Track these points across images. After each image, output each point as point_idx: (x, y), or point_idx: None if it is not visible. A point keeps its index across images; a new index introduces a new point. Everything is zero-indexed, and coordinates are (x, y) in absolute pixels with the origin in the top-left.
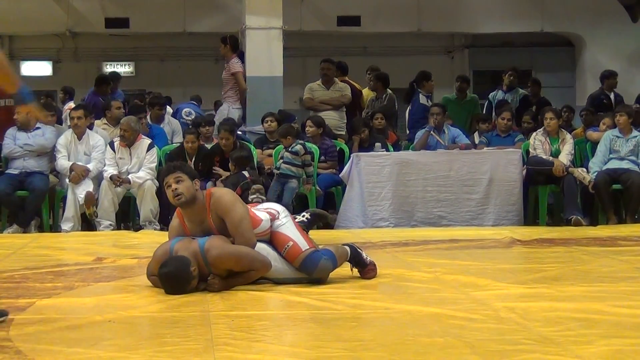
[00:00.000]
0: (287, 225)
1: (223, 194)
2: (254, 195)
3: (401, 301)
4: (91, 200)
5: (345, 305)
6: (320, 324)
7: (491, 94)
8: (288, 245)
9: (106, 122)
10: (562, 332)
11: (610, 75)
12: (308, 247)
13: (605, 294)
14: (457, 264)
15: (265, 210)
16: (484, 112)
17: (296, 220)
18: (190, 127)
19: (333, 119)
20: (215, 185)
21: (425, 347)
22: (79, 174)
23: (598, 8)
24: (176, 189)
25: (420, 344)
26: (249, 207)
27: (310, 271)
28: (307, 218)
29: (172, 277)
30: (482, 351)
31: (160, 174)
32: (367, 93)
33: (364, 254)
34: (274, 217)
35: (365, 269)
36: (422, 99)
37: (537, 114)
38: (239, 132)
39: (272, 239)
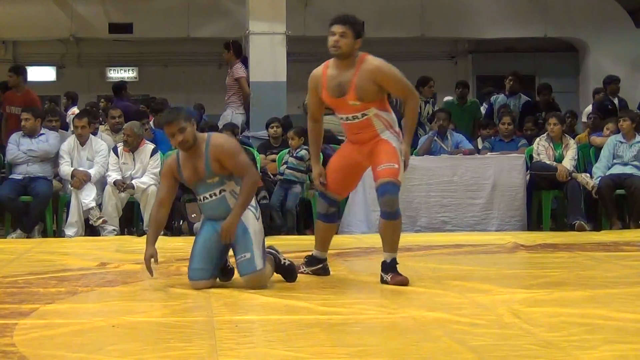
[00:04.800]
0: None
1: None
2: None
3: (405, 306)
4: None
5: (349, 311)
6: (324, 329)
7: (493, 97)
8: None
9: (108, 127)
10: (566, 338)
11: (612, 80)
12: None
13: (609, 299)
14: (461, 269)
15: None
16: (484, 115)
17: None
18: None
19: (335, 123)
20: None
21: (429, 353)
22: (80, 179)
23: (602, 13)
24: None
25: (424, 349)
26: None
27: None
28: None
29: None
30: (485, 356)
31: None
32: None
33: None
34: None
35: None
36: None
37: (537, 120)
38: (243, 137)
39: None
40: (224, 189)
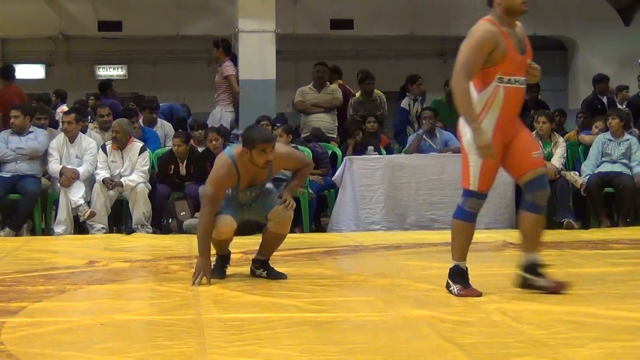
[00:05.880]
0: None
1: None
2: None
3: (394, 304)
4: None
5: (338, 308)
6: (313, 328)
7: None
8: None
9: (97, 125)
10: (554, 335)
11: (602, 79)
12: None
13: (597, 297)
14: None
15: None
16: None
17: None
18: (179, 130)
19: (324, 121)
20: None
21: (417, 350)
22: (69, 177)
23: (591, 12)
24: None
25: (412, 347)
26: None
27: None
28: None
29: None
30: (474, 354)
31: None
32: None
33: None
34: None
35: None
36: (404, 103)
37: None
38: (232, 135)
39: None
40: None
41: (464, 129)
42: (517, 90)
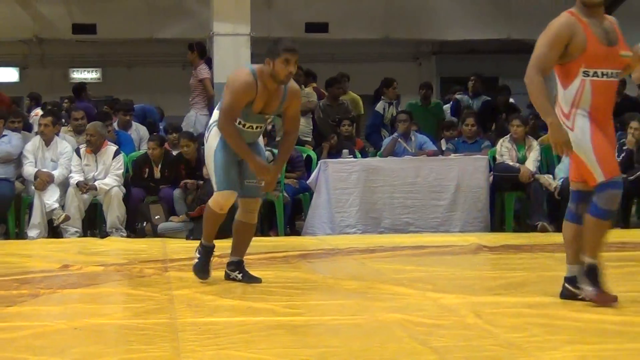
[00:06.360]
0: None
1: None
2: None
3: (368, 308)
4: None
5: (313, 312)
6: (287, 331)
7: (459, 95)
8: None
9: (71, 129)
10: (528, 338)
11: None
12: None
13: (570, 300)
14: (424, 271)
15: None
16: (450, 114)
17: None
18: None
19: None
20: (186, 192)
21: (392, 354)
22: (43, 181)
23: None
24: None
25: (387, 350)
26: None
27: None
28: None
29: None
30: (448, 357)
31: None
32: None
33: None
34: None
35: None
36: (379, 106)
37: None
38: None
39: None
40: (265, 126)
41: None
42: (607, 83)
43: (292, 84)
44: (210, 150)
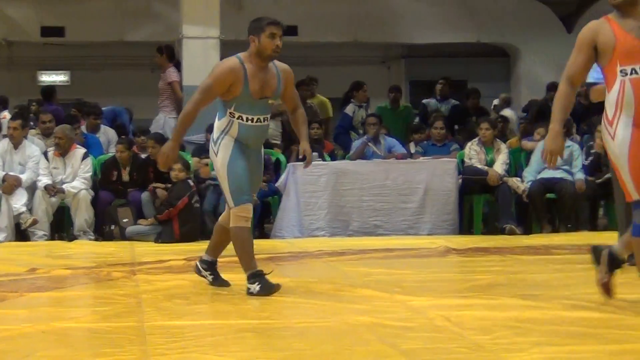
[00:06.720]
0: None
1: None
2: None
3: (337, 311)
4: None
5: (281, 315)
6: (256, 334)
7: (426, 100)
8: None
9: (39, 132)
10: (496, 340)
11: (555, 87)
12: None
13: (539, 302)
14: (393, 273)
15: None
16: (418, 119)
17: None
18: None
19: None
20: (154, 194)
21: (360, 356)
22: (11, 184)
23: (533, 19)
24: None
25: (355, 353)
26: None
27: None
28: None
29: None
30: (416, 359)
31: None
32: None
33: None
34: None
35: None
36: (349, 109)
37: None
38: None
39: None
40: (270, 117)
41: (607, 140)
42: None
43: (280, 63)
44: (222, 163)
